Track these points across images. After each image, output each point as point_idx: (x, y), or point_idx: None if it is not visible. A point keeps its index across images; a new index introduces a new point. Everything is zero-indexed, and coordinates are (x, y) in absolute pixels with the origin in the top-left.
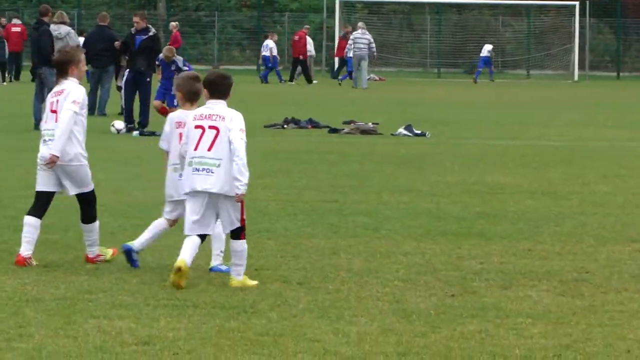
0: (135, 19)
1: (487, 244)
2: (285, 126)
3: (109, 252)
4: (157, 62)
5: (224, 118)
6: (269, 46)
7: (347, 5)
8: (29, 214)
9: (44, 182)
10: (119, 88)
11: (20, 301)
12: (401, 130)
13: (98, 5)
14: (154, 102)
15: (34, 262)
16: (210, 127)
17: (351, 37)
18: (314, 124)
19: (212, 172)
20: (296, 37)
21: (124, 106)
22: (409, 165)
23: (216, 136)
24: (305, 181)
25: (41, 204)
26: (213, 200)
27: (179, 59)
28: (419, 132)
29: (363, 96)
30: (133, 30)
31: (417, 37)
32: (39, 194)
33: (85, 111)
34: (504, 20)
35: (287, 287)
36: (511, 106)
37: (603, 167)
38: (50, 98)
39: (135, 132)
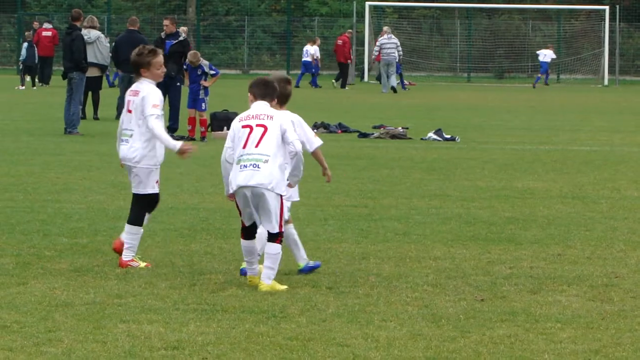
0: (166, 22)
1: (517, 248)
2: (315, 131)
3: (141, 264)
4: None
5: (272, 117)
6: (309, 52)
7: (376, 10)
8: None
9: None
10: None
11: (50, 306)
12: (431, 134)
13: (128, 9)
14: (188, 110)
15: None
16: (258, 125)
17: (377, 43)
18: (344, 129)
19: (258, 168)
20: (339, 42)
21: None
22: (439, 170)
23: (264, 133)
24: (335, 186)
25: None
26: (255, 197)
27: (205, 63)
28: (449, 136)
29: (393, 101)
30: (163, 34)
31: (447, 41)
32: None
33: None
34: (534, 24)
35: (316, 292)
36: (541, 111)
37: (633, 173)
38: (127, 96)
39: None
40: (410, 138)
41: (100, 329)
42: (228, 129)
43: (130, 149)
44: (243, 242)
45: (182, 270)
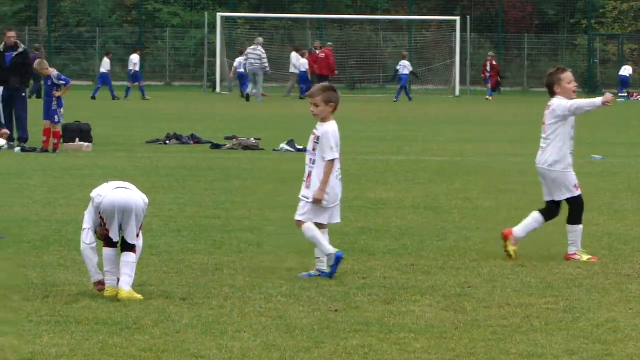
0: (11, 33)
1: (370, 259)
2: (168, 142)
3: (584, 257)
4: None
5: None
6: (134, 61)
7: (228, 21)
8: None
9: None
10: None
11: None
12: (283, 145)
13: None
14: (43, 122)
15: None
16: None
17: (245, 52)
18: (196, 140)
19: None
20: (322, 55)
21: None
22: (292, 181)
23: None
24: (188, 197)
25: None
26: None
27: (54, 74)
28: (301, 147)
29: (245, 112)
30: (2, 47)
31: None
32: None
33: None
34: (386, 35)
35: (170, 303)
36: (393, 121)
37: (485, 183)
38: None
39: (17, 149)
40: (262, 149)
41: None
42: (80, 140)
43: None
44: (106, 250)
45: (35, 282)
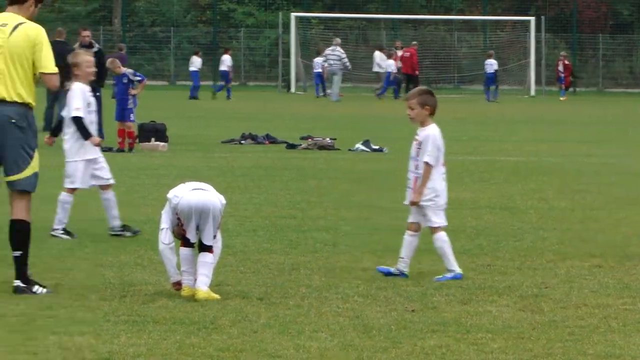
0: (86, 33)
1: None
2: (243, 142)
3: None
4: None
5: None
6: (227, 63)
7: (302, 21)
8: None
9: None
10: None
11: None
12: (359, 145)
13: (52, 20)
14: (117, 123)
15: None
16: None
17: (324, 53)
18: (272, 140)
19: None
20: (407, 54)
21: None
22: (367, 181)
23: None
24: (264, 197)
25: None
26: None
27: (129, 71)
28: (376, 147)
29: (321, 111)
30: (76, 46)
31: (373, 52)
32: None
33: None
34: (460, 35)
35: (247, 303)
36: (468, 122)
37: (560, 183)
38: None
39: None
40: (338, 149)
41: (31, 341)
42: (156, 139)
43: None
44: (183, 250)
45: (112, 281)
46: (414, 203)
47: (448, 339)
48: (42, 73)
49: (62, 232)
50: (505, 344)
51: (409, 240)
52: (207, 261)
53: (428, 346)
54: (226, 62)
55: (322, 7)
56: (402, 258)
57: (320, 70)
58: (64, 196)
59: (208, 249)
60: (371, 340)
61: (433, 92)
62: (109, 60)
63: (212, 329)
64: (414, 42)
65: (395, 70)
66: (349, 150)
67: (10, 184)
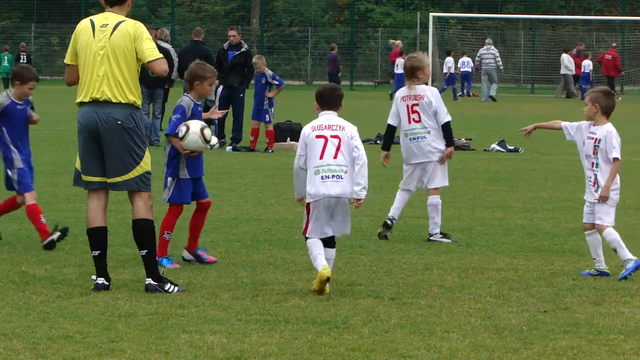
0: (233, 32)
1: (580, 260)
2: (378, 142)
3: None
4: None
5: (343, 128)
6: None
7: (440, 21)
8: None
9: None
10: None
11: (113, 316)
12: (494, 146)
13: (191, 20)
14: (252, 121)
15: None
16: (332, 136)
17: (479, 53)
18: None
19: (341, 179)
20: (609, 56)
21: (216, 121)
22: (502, 182)
23: (339, 145)
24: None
25: None
26: (335, 206)
27: (269, 74)
28: (512, 147)
29: (456, 112)
30: (226, 45)
31: (511, 52)
32: None
33: None
34: (598, 35)
35: (379, 303)
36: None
37: None
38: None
39: (229, 148)
40: (473, 149)
41: (162, 339)
42: (292, 139)
43: None
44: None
45: (244, 281)
46: (604, 198)
47: (580, 340)
48: (149, 62)
49: (440, 235)
50: (638, 345)
51: (590, 240)
52: (330, 258)
53: (559, 347)
54: (448, 63)
55: (460, 7)
56: (595, 258)
57: (468, 69)
58: (434, 199)
59: (332, 245)
60: (502, 341)
61: (611, 93)
62: (257, 56)
63: (343, 328)
64: (614, 44)
65: (591, 69)
66: (485, 150)
67: (111, 185)
